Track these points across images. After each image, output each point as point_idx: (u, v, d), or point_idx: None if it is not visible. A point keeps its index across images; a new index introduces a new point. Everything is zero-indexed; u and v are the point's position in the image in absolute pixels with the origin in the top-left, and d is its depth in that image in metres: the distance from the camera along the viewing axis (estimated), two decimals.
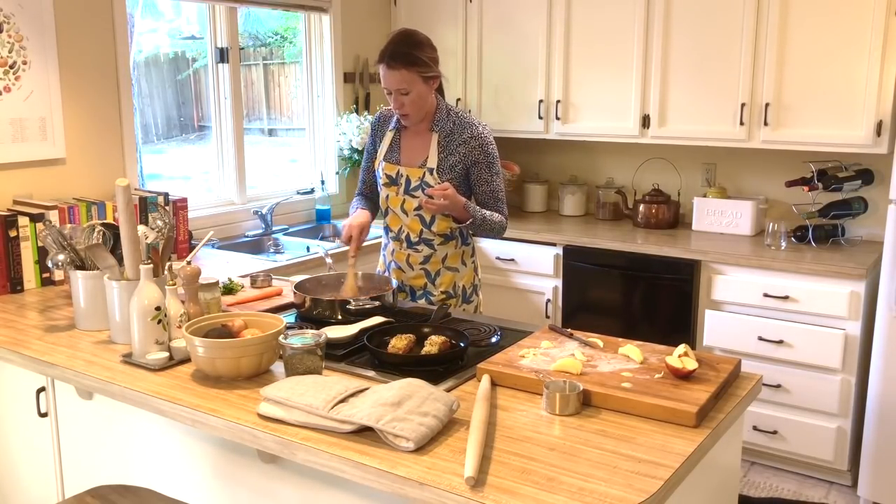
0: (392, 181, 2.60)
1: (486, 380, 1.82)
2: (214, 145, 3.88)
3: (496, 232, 2.60)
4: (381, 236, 2.81)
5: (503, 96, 4.25)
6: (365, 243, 2.65)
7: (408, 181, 2.57)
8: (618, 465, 1.48)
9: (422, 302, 2.65)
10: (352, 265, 2.51)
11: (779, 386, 3.36)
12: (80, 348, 2.14)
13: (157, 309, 1.98)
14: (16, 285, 2.72)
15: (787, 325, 3.31)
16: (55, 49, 2.99)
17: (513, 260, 3.98)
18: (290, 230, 3.98)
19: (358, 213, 2.65)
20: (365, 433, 1.59)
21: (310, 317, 2.30)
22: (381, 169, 2.63)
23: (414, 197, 2.57)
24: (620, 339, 2.08)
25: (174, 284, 2.12)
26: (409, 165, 2.58)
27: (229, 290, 2.58)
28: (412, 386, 1.67)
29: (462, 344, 2.02)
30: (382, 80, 2.48)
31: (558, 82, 4.05)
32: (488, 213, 2.56)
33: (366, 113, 4.34)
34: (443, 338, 2.02)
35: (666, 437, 1.60)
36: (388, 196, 2.63)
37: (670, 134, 3.79)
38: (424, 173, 2.55)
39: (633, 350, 1.97)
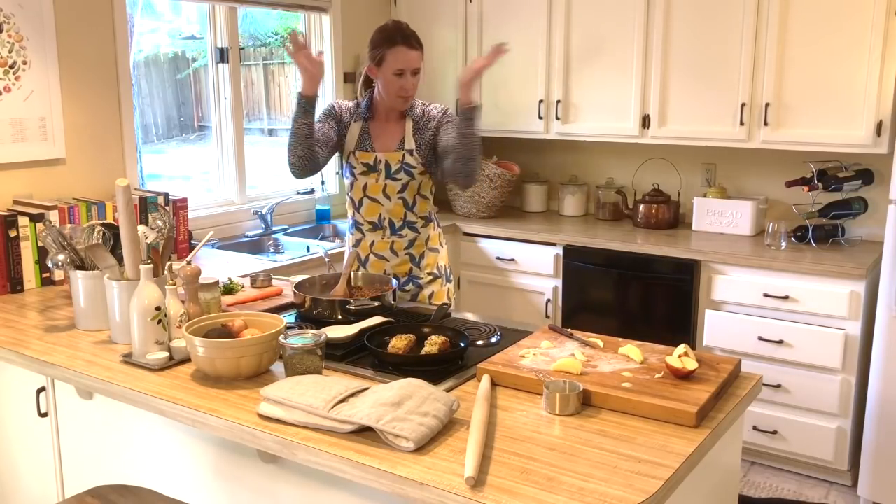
0: (371, 168, 2.64)
1: (486, 380, 1.82)
2: (214, 145, 3.88)
3: (478, 146, 2.50)
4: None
5: (503, 96, 4.25)
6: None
7: (388, 166, 2.62)
8: (618, 465, 1.48)
9: (409, 288, 2.69)
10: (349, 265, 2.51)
11: (779, 386, 3.37)
12: (80, 348, 2.14)
13: (157, 309, 1.98)
14: (16, 285, 2.72)
15: (787, 325, 3.31)
16: (55, 49, 2.99)
17: (513, 260, 3.98)
18: (290, 230, 3.98)
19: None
20: (365, 433, 1.59)
21: (310, 317, 2.30)
22: (355, 158, 2.65)
23: (396, 180, 2.62)
24: (620, 339, 2.08)
25: (174, 284, 2.12)
26: (386, 150, 2.64)
27: (229, 290, 2.58)
28: (412, 386, 1.67)
29: (462, 344, 2.03)
30: (398, 61, 2.54)
31: (558, 82, 4.05)
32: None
33: None
34: (443, 338, 2.02)
35: (666, 437, 1.60)
36: (366, 185, 2.65)
37: (670, 134, 3.79)
38: (404, 155, 2.62)
39: (633, 350, 1.97)
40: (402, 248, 2.69)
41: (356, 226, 2.73)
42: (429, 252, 2.73)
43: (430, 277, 2.72)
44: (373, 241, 2.70)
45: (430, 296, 2.73)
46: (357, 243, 2.74)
